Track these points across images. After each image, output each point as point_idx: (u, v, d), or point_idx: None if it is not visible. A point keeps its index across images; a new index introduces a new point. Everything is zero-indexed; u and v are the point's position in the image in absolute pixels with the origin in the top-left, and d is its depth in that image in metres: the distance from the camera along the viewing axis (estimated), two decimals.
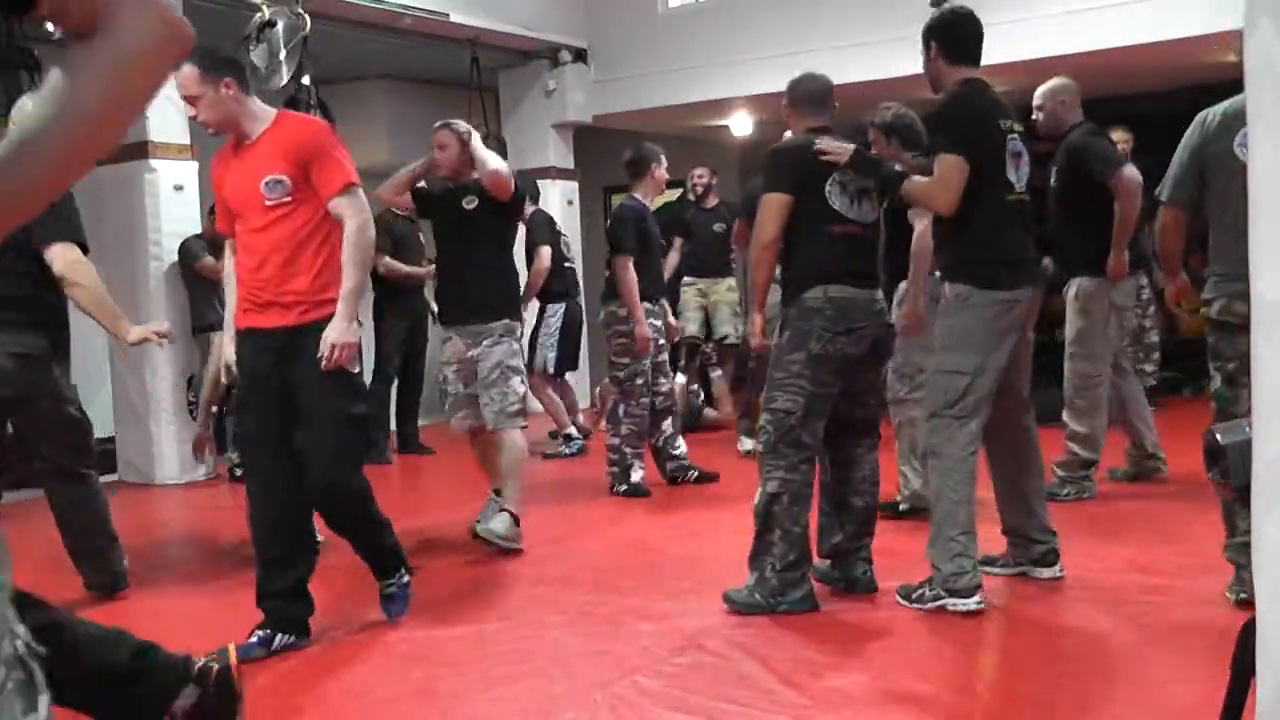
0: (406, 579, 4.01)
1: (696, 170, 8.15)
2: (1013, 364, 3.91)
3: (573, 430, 7.52)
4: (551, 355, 7.46)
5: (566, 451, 7.38)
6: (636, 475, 6.04)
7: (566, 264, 7.53)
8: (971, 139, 3.77)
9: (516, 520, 4.84)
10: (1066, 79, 5.32)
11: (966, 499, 3.76)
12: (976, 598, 3.70)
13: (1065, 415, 5.35)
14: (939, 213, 3.87)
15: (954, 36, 3.94)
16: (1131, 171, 4.95)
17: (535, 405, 6.83)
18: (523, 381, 4.89)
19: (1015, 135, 3.90)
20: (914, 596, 3.82)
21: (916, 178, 3.91)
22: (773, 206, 3.90)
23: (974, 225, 3.78)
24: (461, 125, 4.91)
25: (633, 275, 5.84)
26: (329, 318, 3.51)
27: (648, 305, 5.96)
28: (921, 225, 4.83)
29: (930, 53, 3.96)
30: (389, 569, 3.98)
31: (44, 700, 1.16)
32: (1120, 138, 6.53)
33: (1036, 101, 5.29)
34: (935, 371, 3.88)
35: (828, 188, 3.88)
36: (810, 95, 4.08)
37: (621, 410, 6.00)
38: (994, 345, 3.78)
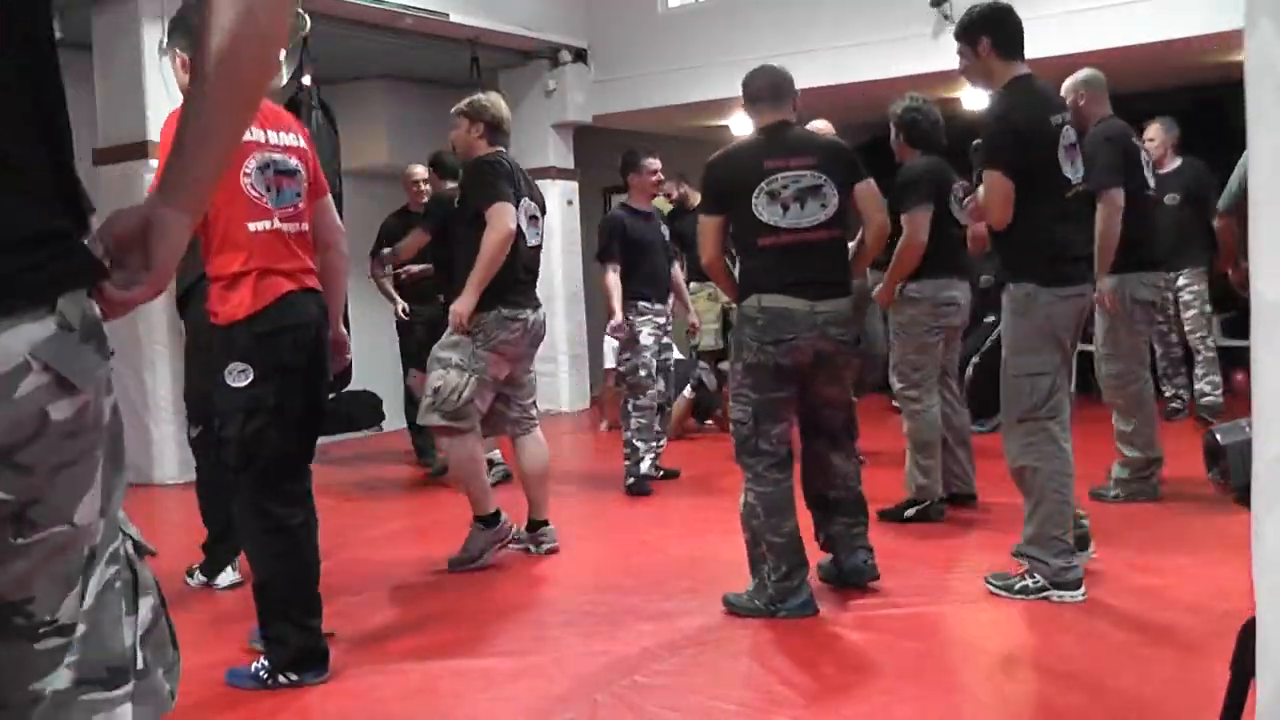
0: (258, 665, 3.34)
1: (664, 185, 8.05)
2: None
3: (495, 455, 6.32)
4: None
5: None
6: (645, 466, 6.11)
7: None
8: (1016, 149, 3.75)
9: (486, 520, 4.58)
10: (1093, 71, 5.22)
11: (1068, 500, 3.81)
12: (1082, 590, 3.78)
13: (1113, 418, 5.30)
14: (994, 227, 3.86)
15: (1006, 31, 3.88)
16: (1114, 195, 4.78)
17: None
18: (442, 376, 4.50)
19: (1068, 126, 3.89)
20: (1016, 588, 3.84)
21: (979, 190, 3.93)
22: (706, 229, 3.93)
23: (1035, 225, 3.77)
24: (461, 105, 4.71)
25: (611, 279, 6.00)
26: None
27: (645, 304, 6.08)
28: (908, 230, 4.84)
29: (979, 49, 3.87)
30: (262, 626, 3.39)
31: (145, 602, 1.24)
32: (1151, 136, 6.57)
33: (1062, 94, 5.25)
34: (1015, 376, 3.84)
35: (754, 199, 3.79)
36: (762, 90, 3.99)
37: (630, 405, 6.09)
38: (1065, 340, 3.84)
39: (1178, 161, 7.05)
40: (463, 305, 4.48)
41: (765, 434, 3.79)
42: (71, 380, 1.10)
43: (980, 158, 3.90)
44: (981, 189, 3.92)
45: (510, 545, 4.77)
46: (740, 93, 4.20)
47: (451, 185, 6.27)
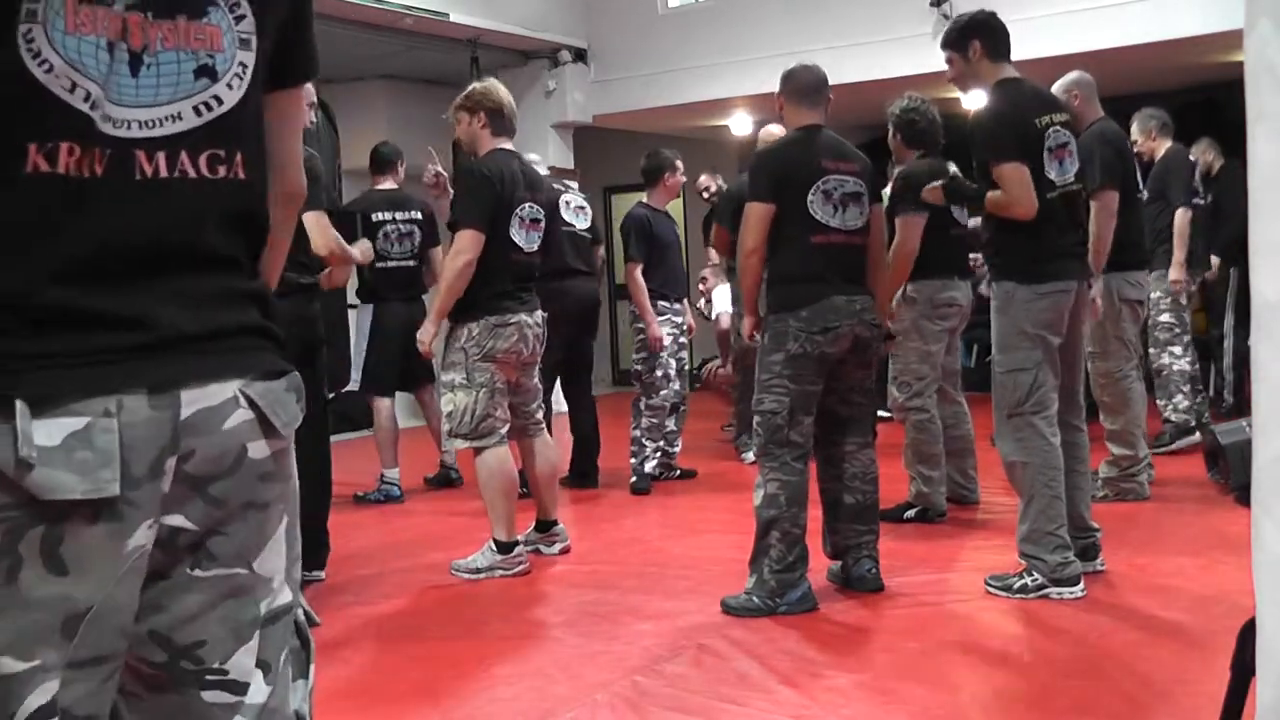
0: None
1: (701, 180, 7.97)
2: (1065, 362, 3.97)
3: (393, 475, 6.17)
4: (357, 368, 6.09)
5: (374, 496, 6.12)
6: (649, 466, 6.13)
7: (390, 261, 6.04)
8: (1013, 143, 3.78)
9: (502, 546, 4.47)
10: (1081, 73, 5.25)
11: (1059, 494, 3.82)
12: (1080, 585, 3.79)
13: (1100, 417, 5.27)
14: (1023, 218, 3.81)
15: (995, 35, 3.93)
16: (1109, 197, 4.77)
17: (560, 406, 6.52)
18: (450, 399, 4.39)
19: (1058, 127, 3.90)
20: (1015, 587, 3.85)
21: (992, 193, 3.86)
22: (755, 215, 3.90)
23: (1015, 226, 3.81)
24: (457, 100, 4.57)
25: (639, 280, 6.01)
26: None
27: (664, 304, 6.13)
28: (901, 235, 4.83)
29: (971, 53, 3.92)
30: None
31: (312, 669, 1.30)
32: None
33: (1056, 94, 5.23)
34: (999, 372, 3.89)
35: (810, 196, 3.85)
36: (806, 87, 4.02)
37: (642, 404, 6.12)
38: (1047, 337, 3.84)
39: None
40: (424, 333, 4.45)
41: (798, 425, 3.83)
42: (272, 421, 1.18)
43: (989, 155, 3.84)
44: (995, 193, 3.85)
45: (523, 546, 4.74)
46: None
47: (388, 187, 6.18)
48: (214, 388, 1.14)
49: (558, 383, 6.11)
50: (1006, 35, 3.96)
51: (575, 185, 6.22)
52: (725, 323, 7.22)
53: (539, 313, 4.59)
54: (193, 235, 1.15)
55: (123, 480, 1.06)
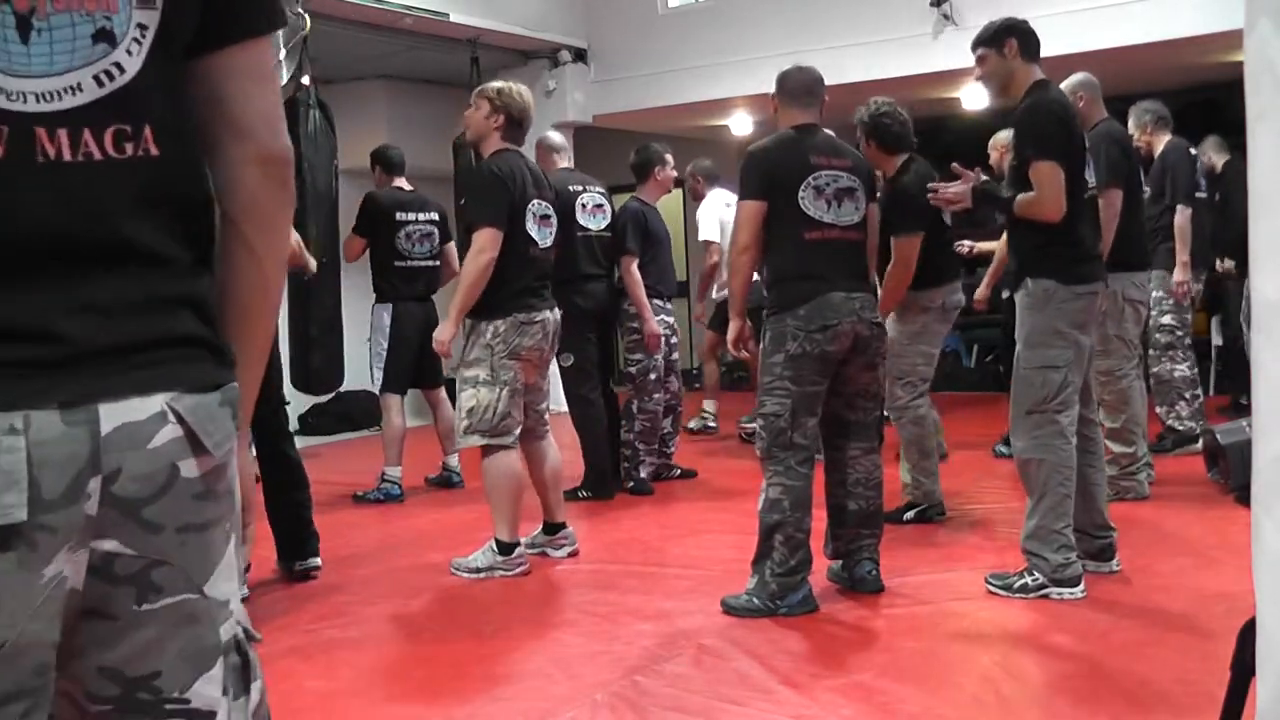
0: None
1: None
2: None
3: (395, 473, 6.20)
4: (378, 368, 6.14)
5: (373, 495, 6.17)
6: (644, 471, 6.08)
7: (410, 262, 6.14)
8: (1060, 143, 3.78)
9: (503, 547, 4.47)
10: (1085, 75, 5.28)
11: (1070, 493, 3.81)
12: (1081, 586, 3.79)
13: (1100, 415, 5.31)
14: (1050, 220, 3.78)
15: (1029, 36, 3.95)
16: (1114, 196, 4.82)
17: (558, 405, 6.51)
18: (473, 395, 4.36)
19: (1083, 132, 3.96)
20: (1015, 587, 3.85)
21: (1022, 195, 3.83)
22: (746, 213, 3.91)
23: (1060, 223, 3.79)
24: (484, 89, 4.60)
25: (636, 275, 5.92)
26: None
27: (657, 302, 6.03)
28: (899, 255, 4.79)
29: (1005, 51, 3.92)
30: None
31: (256, 685, 1.23)
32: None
33: None
34: (1027, 369, 3.87)
35: (801, 192, 3.85)
36: (799, 88, 4.04)
37: (635, 406, 6.04)
38: (1080, 337, 3.85)
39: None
40: (443, 332, 4.45)
41: (801, 427, 3.82)
42: (202, 440, 1.09)
43: (1029, 151, 3.83)
44: (1026, 195, 3.82)
45: (529, 549, 4.69)
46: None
47: (406, 188, 6.23)
48: (136, 402, 1.04)
49: (561, 384, 6.05)
50: (1037, 40, 3.99)
51: (595, 182, 6.11)
52: (715, 255, 7.06)
53: (556, 310, 4.63)
54: (106, 228, 1.05)
55: (34, 504, 0.98)
